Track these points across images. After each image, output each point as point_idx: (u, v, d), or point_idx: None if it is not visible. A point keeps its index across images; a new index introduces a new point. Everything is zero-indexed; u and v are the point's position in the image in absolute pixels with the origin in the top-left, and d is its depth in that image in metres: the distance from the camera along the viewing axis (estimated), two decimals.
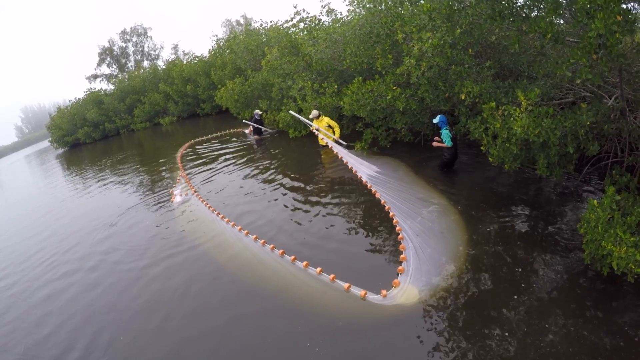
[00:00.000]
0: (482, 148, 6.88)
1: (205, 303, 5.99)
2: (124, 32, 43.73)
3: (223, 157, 14.27)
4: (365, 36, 11.20)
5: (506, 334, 4.31)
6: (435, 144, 8.64)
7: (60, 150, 33.47)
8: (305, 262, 6.10)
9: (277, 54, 14.35)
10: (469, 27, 7.83)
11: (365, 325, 4.91)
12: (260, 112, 16.11)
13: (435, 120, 8.53)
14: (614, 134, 6.67)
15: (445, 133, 8.35)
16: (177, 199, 10.65)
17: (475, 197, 7.40)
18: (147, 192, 12.22)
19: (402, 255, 5.85)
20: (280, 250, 6.63)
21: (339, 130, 11.85)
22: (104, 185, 14.98)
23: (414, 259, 5.79)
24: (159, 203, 10.85)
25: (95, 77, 43.29)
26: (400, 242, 6.21)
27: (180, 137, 22.22)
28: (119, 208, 11.31)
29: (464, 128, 8.48)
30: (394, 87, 9.04)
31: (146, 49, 43.72)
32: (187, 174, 13.02)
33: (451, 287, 5.16)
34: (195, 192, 10.76)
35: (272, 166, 11.89)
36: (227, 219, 8.48)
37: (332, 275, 5.65)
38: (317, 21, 15.19)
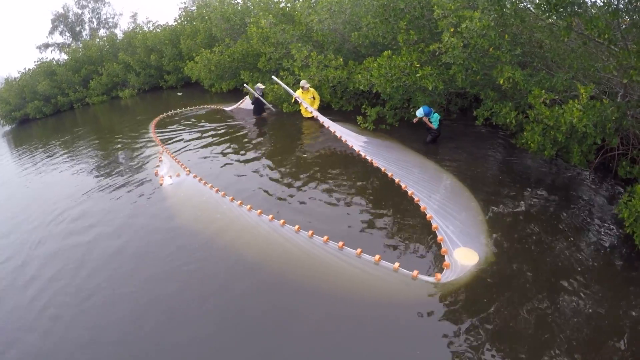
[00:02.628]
0: (515, 136, 7.99)
1: (250, 300, 5.28)
2: None
3: (206, 135, 12.82)
4: (380, 8, 10.26)
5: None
6: (428, 125, 9.36)
7: (8, 128, 30.35)
8: (340, 243, 5.79)
9: (273, 20, 12.85)
10: (513, 12, 8.03)
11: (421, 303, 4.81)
12: (263, 87, 13.64)
13: (420, 113, 9.10)
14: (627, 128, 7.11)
15: (436, 117, 9.23)
16: (167, 180, 9.16)
17: (471, 165, 8.28)
18: (128, 175, 10.46)
19: (434, 227, 6.02)
20: (310, 231, 6.17)
21: (318, 102, 11.87)
22: (71, 166, 12.89)
23: (449, 232, 5.89)
24: (149, 191, 9.13)
25: (46, 46, 39.70)
26: (420, 213, 6.51)
27: (141, 112, 20.53)
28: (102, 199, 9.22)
29: (488, 112, 8.71)
30: (418, 65, 8.91)
31: (103, 16, 40.29)
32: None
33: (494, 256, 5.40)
34: (189, 172, 9.36)
35: (264, 143, 11.23)
36: (243, 203, 7.47)
37: (376, 257, 5.43)
38: None
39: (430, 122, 9.26)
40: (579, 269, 5.13)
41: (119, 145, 13.87)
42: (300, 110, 12.61)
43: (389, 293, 5.05)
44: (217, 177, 9.08)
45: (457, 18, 8.27)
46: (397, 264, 5.23)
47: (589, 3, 6.96)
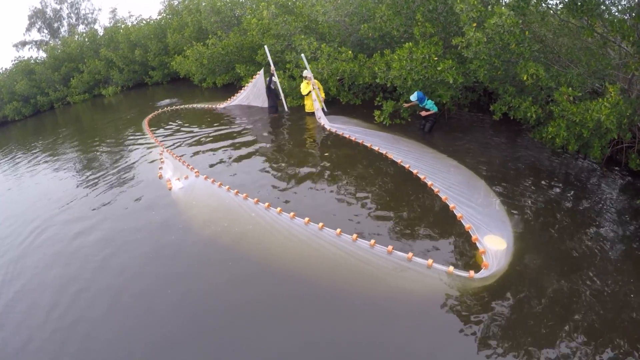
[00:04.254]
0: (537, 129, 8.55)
1: (286, 307, 5.03)
2: None
3: (204, 133, 12.18)
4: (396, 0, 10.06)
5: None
6: (424, 113, 9.58)
7: None
8: (372, 241, 5.60)
9: (275, 11, 12.30)
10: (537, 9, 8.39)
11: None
12: (277, 80, 12.59)
13: (414, 98, 9.29)
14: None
15: (430, 102, 9.43)
16: (177, 184, 8.45)
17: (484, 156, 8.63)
18: (129, 180, 9.56)
19: (459, 216, 6.19)
20: (338, 230, 5.91)
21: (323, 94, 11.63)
22: (62, 171, 11.80)
23: (475, 221, 6.04)
24: (157, 198, 8.33)
25: (23, 44, 38.02)
26: (445, 207, 6.59)
27: (128, 110, 19.69)
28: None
29: (505, 107, 8.84)
30: (435, 58, 8.89)
31: (82, 11, 38.81)
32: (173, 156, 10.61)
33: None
34: (199, 174, 8.71)
35: (272, 140, 10.93)
36: (265, 204, 6.96)
37: (409, 254, 5.32)
38: None
39: (426, 109, 9.47)
40: (601, 257, 5.41)
41: (112, 147, 12.99)
42: (303, 105, 12.14)
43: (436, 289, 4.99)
44: (230, 178, 8.56)
45: (478, 13, 8.28)
46: (430, 260, 5.20)
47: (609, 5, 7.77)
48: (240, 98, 14.49)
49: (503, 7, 8.11)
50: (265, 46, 11.78)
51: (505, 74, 8.90)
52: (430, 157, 8.54)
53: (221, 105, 14.86)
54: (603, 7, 7.63)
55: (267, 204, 6.84)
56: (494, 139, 9.58)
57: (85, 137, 15.75)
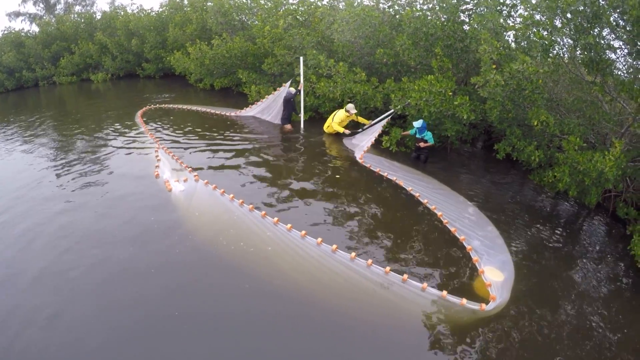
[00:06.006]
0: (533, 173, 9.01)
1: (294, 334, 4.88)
2: None
3: (205, 136, 11.80)
4: (415, 30, 10.36)
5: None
6: (422, 144, 9.58)
7: None
8: (387, 268, 5.58)
9: (292, 22, 12.24)
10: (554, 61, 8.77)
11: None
12: (295, 92, 12.06)
13: (418, 125, 9.33)
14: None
15: (429, 135, 9.50)
16: (177, 186, 8.12)
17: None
18: (123, 177, 9.10)
19: (469, 248, 6.34)
20: (369, 261, 5.72)
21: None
22: (44, 160, 11.05)
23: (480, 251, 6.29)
24: (155, 201, 7.88)
25: (17, 15, 36.47)
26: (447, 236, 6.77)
27: (112, 100, 19.27)
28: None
29: (509, 148, 9.17)
30: (450, 93, 9.16)
31: None
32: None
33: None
34: (198, 177, 8.42)
35: (275, 151, 10.65)
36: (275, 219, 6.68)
37: (424, 284, 5.36)
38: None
39: (424, 140, 9.56)
40: (592, 296, 5.80)
41: (101, 137, 12.37)
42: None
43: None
44: (232, 186, 8.28)
45: (499, 56, 8.74)
46: (444, 292, 5.26)
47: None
48: (257, 110, 13.69)
49: (526, 55, 8.40)
50: (302, 58, 11.37)
51: (515, 116, 9.17)
52: (439, 189, 8.65)
53: (234, 114, 14.08)
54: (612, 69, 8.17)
55: (275, 219, 6.66)
56: (491, 175, 9.90)
57: (74, 122, 15.03)
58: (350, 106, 10.74)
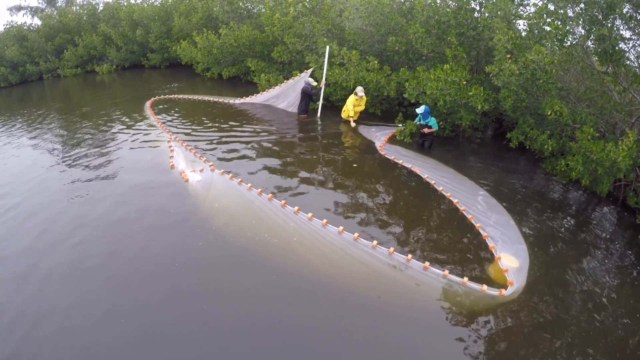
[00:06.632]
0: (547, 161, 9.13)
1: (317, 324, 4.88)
2: None
3: (218, 126, 11.75)
4: (427, 18, 10.37)
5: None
6: (426, 130, 9.67)
7: None
8: (408, 256, 5.64)
9: (302, 9, 12.20)
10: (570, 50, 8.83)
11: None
12: (311, 89, 11.85)
13: (420, 110, 9.39)
14: None
15: (433, 120, 9.54)
16: (194, 176, 8.14)
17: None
18: (136, 169, 9.10)
19: (485, 235, 6.41)
20: (391, 249, 5.77)
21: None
22: (59, 151, 11.08)
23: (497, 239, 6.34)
24: (172, 190, 7.92)
25: (18, 9, 36.19)
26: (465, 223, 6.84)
27: (118, 91, 19.17)
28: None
29: (522, 136, 9.27)
30: (464, 82, 9.21)
31: None
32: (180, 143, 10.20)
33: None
34: (214, 167, 8.43)
35: (293, 141, 10.66)
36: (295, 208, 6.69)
37: (445, 272, 5.42)
38: None
39: (428, 126, 9.62)
40: (602, 282, 5.84)
41: (110, 128, 12.38)
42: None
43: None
44: (248, 176, 8.33)
45: (513, 45, 8.74)
46: (465, 279, 5.32)
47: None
48: (269, 96, 13.63)
49: (542, 46, 8.49)
50: (328, 47, 11.29)
51: (528, 105, 9.21)
52: (454, 177, 8.68)
53: (238, 101, 14.17)
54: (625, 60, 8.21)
55: (296, 208, 6.67)
56: (502, 163, 9.91)
57: (79, 114, 15.10)
58: (359, 89, 10.76)
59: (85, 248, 6.20)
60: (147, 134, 11.26)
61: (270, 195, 7.09)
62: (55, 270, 5.77)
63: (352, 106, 11.02)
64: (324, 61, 11.25)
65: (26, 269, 5.84)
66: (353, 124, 11.19)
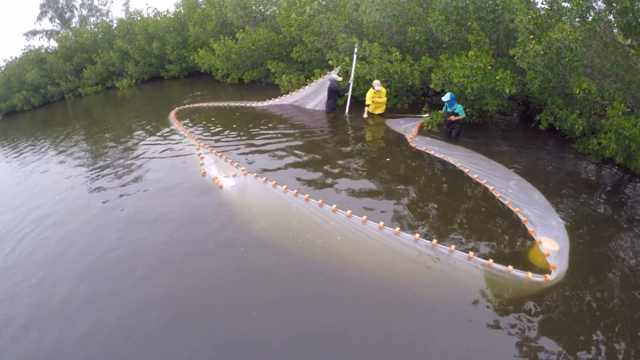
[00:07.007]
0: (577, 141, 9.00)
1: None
2: None
3: (247, 130, 11.75)
4: (445, 5, 10.33)
5: None
6: (453, 118, 9.50)
7: None
8: (452, 247, 5.57)
9: (318, 7, 12.27)
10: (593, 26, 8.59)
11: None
12: (340, 79, 11.89)
13: (446, 98, 9.25)
14: None
15: (460, 107, 9.35)
16: (227, 182, 8.16)
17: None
18: (168, 179, 9.15)
19: (524, 220, 6.34)
20: (433, 241, 5.76)
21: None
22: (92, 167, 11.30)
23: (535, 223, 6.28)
24: (208, 199, 7.91)
25: (34, 33, 37.46)
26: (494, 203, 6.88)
27: (140, 104, 19.56)
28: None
29: (551, 117, 9.12)
30: (489, 67, 9.16)
31: (95, 3, 38.18)
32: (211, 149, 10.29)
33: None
34: (246, 172, 8.44)
35: (324, 139, 10.58)
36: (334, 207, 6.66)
37: (489, 261, 5.33)
38: None
39: (455, 113, 9.47)
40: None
41: (138, 141, 12.59)
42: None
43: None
44: (284, 178, 8.26)
45: (535, 26, 8.66)
46: (510, 267, 5.24)
47: None
48: (296, 97, 13.65)
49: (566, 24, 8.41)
50: (356, 45, 11.32)
51: (555, 85, 9.10)
52: (486, 163, 8.64)
53: (265, 103, 14.24)
54: None
55: (334, 206, 6.66)
56: (532, 146, 9.86)
57: (104, 130, 15.38)
58: (375, 82, 10.79)
59: (131, 264, 6.32)
60: (175, 144, 11.40)
61: (306, 195, 7.09)
62: (111, 285, 5.92)
63: (370, 98, 11.13)
64: (353, 57, 11.32)
65: (87, 292, 5.90)
66: (365, 115, 11.35)
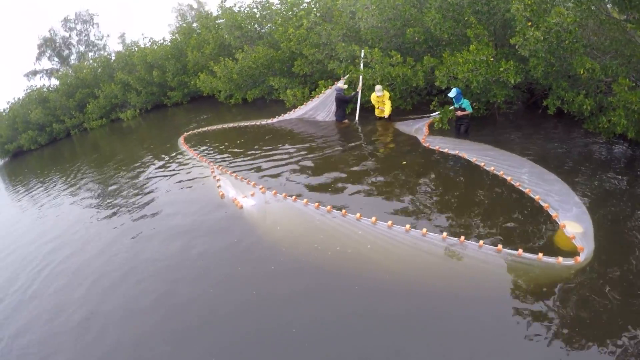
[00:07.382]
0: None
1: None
2: (66, 20, 38.35)
3: (258, 148, 11.87)
4: (441, 2, 10.46)
5: None
6: (459, 113, 9.62)
7: (0, 162, 29.09)
8: (480, 242, 5.61)
9: (315, 20, 12.45)
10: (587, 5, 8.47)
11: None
12: (345, 87, 12.15)
13: (452, 94, 9.35)
14: None
15: (466, 102, 9.45)
16: (247, 202, 8.23)
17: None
18: (187, 206, 9.13)
19: (546, 206, 6.39)
20: (461, 237, 5.79)
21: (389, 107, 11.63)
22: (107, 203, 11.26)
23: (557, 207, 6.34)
24: (230, 223, 7.84)
25: (34, 73, 38.21)
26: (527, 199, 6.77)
27: (146, 134, 19.79)
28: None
29: (558, 101, 9.15)
30: (491, 58, 9.19)
31: (92, 38, 38.94)
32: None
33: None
34: (264, 189, 8.44)
35: (339, 148, 10.63)
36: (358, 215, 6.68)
37: (519, 251, 5.34)
38: None
39: (462, 108, 9.54)
40: None
41: (150, 170, 12.64)
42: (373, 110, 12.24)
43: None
44: (302, 190, 8.41)
45: (531, 12, 8.61)
46: (540, 254, 5.24)
47: None
48: (304, 110, 13.78)
49: (561, 7, 8.42)
50: (363, 51, 11.52)
51: (558, 69, 9.13)
52: (500, 154, 8.71)
53: (275, 120, 14.36)
54: None
55: (358, 214, 6.70)
56: (541, 132, 9.94)
57: (113, 162, 15.53)
58: (377, 87, 11.05)
59: (164, 290, 6.34)
60: (188, 169, 11.50)
61: (329, 207, 7.14)
62: (156, 309, 5.94)
63: (375, 102, 11.49)
64: (360, 65, 11.54)
65: (155, 324, 5.77)
66: (378, 114, 11.74)
